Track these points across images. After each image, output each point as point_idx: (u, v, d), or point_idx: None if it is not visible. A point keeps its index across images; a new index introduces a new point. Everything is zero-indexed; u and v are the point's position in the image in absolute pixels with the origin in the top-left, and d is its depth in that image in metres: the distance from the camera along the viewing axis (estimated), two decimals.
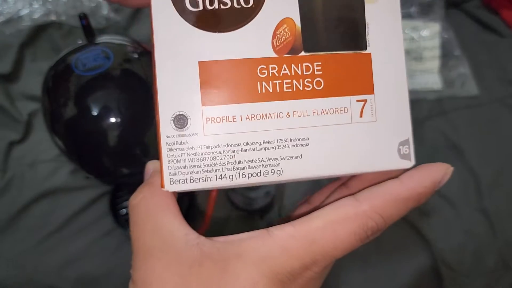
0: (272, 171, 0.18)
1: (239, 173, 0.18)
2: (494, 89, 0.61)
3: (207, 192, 0.50)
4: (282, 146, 0.18)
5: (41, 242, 0.46)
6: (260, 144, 0.18)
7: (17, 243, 0.47)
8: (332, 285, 0.46)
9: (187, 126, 0.18)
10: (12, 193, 0.49)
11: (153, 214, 0.19)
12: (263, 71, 0.18)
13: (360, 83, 0.19)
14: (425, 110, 0.58)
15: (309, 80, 0.19)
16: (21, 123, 0.52)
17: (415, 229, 0.49)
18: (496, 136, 0.57)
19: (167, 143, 0.18)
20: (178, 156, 0.18)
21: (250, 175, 0.18)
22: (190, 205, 0.47)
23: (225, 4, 0.18)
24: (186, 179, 0.18)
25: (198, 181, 0.18)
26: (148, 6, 0.18)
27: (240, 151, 0.18)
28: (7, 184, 0.49)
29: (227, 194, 0.50)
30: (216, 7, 0.18)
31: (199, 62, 0.18)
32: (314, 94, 0.19)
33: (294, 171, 0.18)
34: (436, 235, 0.49)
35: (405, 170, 0.19)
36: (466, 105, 0.59)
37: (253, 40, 0.18)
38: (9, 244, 0.46)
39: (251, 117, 0.18)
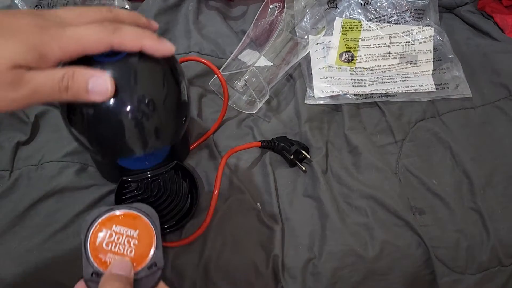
0: None
1: None
2: (487, 92, 0.62)
3: (209, 194, 0.52)
4: None
5: (47, 240, 0.47)
6: None
7: (24, 241, 0.47)
8: (329, 282, 0.48)
9: None
10: (19, 192, 0.50)
11: None
12: None
13: None
14: (419, 112, 0.60)
15: None
16: (28, 124, 0.53)
17: (410, 227, 0.51)
18: (489, 137, 0.58)
19: None
20: None
21: None
22: (192, 203, 0.49)
23: None
24: None
25: None
26: None
27: None
28: (14, 183, 0.50)
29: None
30: None
31: None
32: None
33: None
34: (431, 233, 0.50)
35: None
36: (460, 107, 0.60)
37: None
38: (16, 242, 0.47)
39: None
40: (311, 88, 0.61)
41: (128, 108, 0.36)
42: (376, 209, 0.52)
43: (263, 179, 0.53)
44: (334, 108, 0.60)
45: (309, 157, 0.54)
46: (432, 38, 0.65)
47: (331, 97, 0.60)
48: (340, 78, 0.62)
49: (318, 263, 0.48)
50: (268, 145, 0.54)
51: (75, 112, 0.37)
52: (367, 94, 0.60)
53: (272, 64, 0.61)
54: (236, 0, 0.69)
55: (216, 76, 0.55)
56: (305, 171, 0.54)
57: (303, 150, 0.54)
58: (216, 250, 0.48)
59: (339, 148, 0.57)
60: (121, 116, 0.36)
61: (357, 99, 0.60)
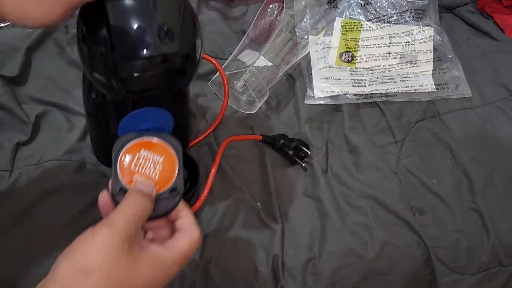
0: None
1: None
2: (487, 92, 0.62)
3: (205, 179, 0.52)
4: None
5: (48, 239, 0.47)
6: None
7: (24, 241, 0.47)
8: (329, 282, 0.48)
9: None
10: (19, 192, 0.49)
11: None
12: None
13: None
14: (419, 112, 0.60)
15: None
16: (28, 124, 0.53)
17: (410, 227, 0.51)
18: (489, 137, 0.58)
19: None
20: None
21: None
22: (192, 187, 0.49)
23: None
24: None
25: None
26: None
27: None
28: (14, 183, 0.50)
29: None
30: None
31: None
32: None
33: None
34: (431, 233, 0.50)
35: None
36: (460, 107, 0.60)
37: None
38: (16, 242, 0.47)
39: None
40: (311, 88, 0.61)
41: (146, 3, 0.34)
42: (376, 209, 0.52)
43: (263, 179, 0.53)
44: (334, 108, 0.60)
45: (309, 152, 0.54)
46: (432, 38, 0.65)
47: (331, 97, 0.60)
48: (340, 78, 0.62)
49: (318, 263, 0.48)
50: (269, 140, 0.54)
51: (93, 11, 0.36)
52: (367, 94, 0.60)
53: (271, 64, 0.61)
54: (236, 0, 0.69)
55: (215, 76, 0.55)
56: (305, 169, 0.54)
57: (303, 146, 0.54)
58: (216, 250, 0.48)
59: (339, 148, 0.57)
60: (138, 9, 0.34)
61: (357, 99, 0.60)
